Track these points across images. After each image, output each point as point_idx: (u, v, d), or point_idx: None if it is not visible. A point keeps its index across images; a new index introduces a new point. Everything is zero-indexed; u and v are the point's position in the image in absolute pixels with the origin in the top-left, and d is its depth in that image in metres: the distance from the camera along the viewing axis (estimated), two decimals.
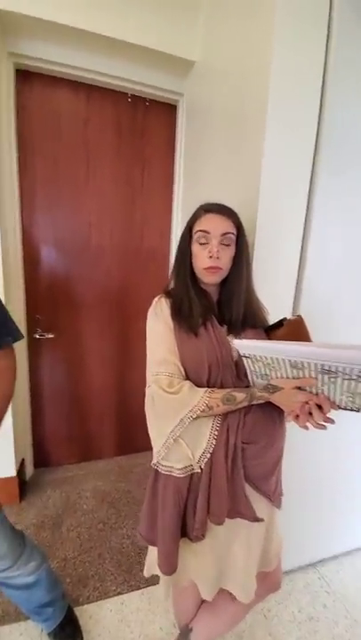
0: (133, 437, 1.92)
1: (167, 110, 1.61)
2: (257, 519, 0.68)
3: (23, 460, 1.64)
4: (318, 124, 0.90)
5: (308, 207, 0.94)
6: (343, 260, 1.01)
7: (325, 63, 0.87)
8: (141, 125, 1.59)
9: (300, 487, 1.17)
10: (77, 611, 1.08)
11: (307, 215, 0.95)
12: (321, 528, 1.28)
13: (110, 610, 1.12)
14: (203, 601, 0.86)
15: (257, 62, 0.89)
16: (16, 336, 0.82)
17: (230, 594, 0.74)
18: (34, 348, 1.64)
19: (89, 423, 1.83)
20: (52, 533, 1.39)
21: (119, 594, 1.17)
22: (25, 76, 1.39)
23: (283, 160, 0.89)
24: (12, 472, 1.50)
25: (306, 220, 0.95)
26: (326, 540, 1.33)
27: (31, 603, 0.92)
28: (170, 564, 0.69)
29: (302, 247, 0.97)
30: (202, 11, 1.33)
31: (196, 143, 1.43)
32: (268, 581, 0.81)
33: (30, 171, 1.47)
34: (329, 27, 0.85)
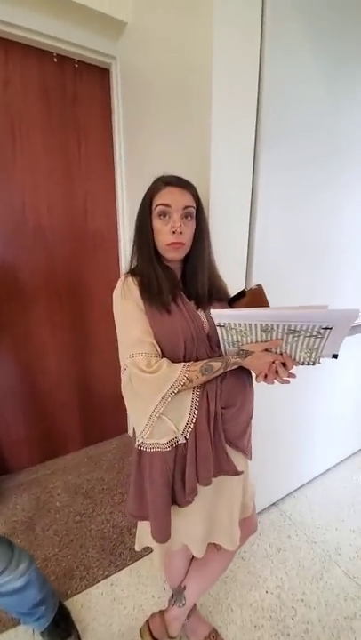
0: (100, 425, 1.86)
1: (99, 74, 1.48)
2: (238, 473, 0.75)
3: None
4: (258, 98, 0.91)
5: (252, 187, 0.98)
6: (283, 239, 1.08)
7: (262, 27, 0.86)
8: (72, 90, 1.43)
9: (259, 436, 1.29)
10: (68, 604, 1.07)
11: (252, 194, 0.98)
12: (277, 469, 1.45)
13: (101, 593, 1.13)
14: (192, 559, 0.92)
15: (198, 29, 0.85)
16: None
17: (215, 545, 0.81)
18: None
19: (50, 419, 1.73)
20: (27, 537, 1.32)
21: (107, 576, 1.18)
22: None
23: (229, 133, 0.89)
24: None
25: (252, 201, 0.98)
26: (282, 479, 1.52)
27: (24, 605, 0.88)
28: (165, 533, 0.73)
29: (250, 224, 1.01)
30: None
31: (138, 113, 1.35)
32: (248, 525, 0.89)
33: None
34: None
